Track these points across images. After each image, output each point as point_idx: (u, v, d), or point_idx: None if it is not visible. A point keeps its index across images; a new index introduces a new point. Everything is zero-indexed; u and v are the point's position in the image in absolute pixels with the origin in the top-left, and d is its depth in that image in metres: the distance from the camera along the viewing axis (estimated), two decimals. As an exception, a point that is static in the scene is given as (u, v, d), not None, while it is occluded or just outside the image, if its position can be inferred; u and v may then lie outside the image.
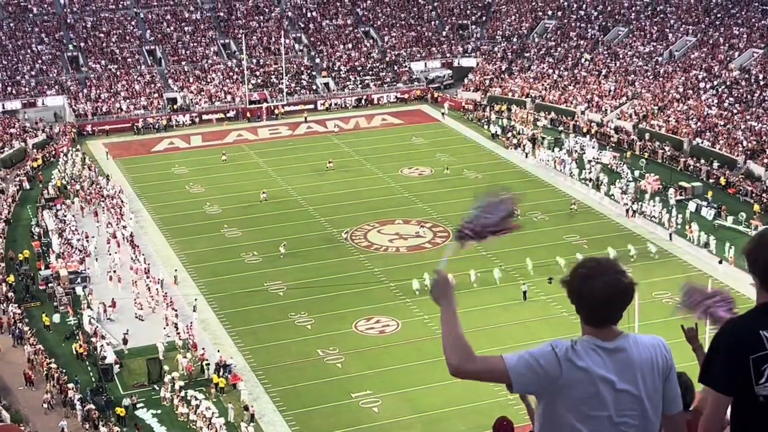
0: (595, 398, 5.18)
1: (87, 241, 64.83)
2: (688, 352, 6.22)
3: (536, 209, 68.87)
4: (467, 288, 54.99)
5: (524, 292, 55.88)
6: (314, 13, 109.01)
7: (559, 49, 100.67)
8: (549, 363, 5.18)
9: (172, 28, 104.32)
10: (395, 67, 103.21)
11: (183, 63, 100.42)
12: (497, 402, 43.18)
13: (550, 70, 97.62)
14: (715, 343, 5.27)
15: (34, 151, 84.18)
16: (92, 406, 46.06)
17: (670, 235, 64.19)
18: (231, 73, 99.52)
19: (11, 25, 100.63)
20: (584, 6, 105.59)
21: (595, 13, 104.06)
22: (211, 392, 48.05)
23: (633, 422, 5.24)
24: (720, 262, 59.91)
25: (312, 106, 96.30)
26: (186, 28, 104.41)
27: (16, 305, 56.42)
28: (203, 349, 51.43)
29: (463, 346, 5.22)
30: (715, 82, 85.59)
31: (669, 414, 5.41)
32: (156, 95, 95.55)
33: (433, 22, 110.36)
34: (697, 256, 61.67)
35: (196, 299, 56.93)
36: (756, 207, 67.43)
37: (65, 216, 69.06)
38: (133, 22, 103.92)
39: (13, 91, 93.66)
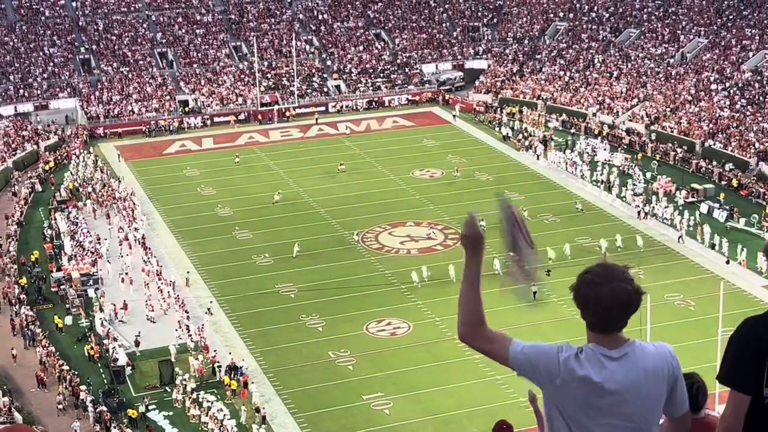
0: (594, 407, 5.16)
1: (99, 243, 64.99)
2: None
3: (547, 211, 68.84)
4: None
5: (534, 293, 55.58)
6: (325, 16, 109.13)
7: (570, 50, 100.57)
8: (549, 363, 5.19)
9: (183, 30, 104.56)
10: (406, 69, 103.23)
11: (194, 65, 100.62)
12: (509, 404, 43.23)
13: (562, 72, 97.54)
14: (731, 342, 5.26)
15: (46, 153, 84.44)
16: (104, 408, 46.17)
17: (680, 237, 64.05)
18: (242, 76, 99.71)
19: (23, 27, 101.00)
20: (595, 8, 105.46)
21: (607, 15, 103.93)
22: (227, 394, 48.12)
23: (630, 430, 5.22)
24: (727, 262, 59.87)
25: (323, 109, 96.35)
26: (197, 31, 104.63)
27: (28, 307, 56.60)
28: (215, 351, 51.52)
29: (478, 317, 5.26)
30: (727, 84, 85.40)
31: (675, 416, 5.39)
32: (168, 98, 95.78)
33: (444, 24, 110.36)
34: (708, 257, 61.49)
35: (211, 302, 57.00)
36: (768, 209, 67.29)
37: (77, 218, 69.24)
38: (144, 25, 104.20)
39: (26, 94, 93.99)
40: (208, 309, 56.08)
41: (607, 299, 5.12)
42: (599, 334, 5.22)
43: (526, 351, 5.26)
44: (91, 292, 58.51)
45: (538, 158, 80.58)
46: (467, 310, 5.29)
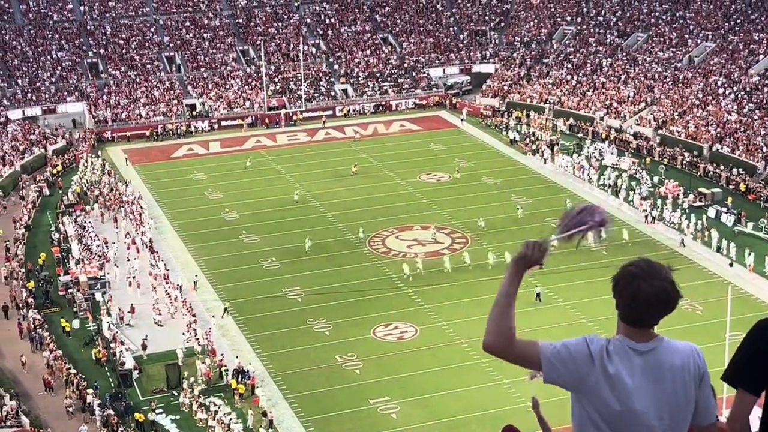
0: (620, 402, 5.14)
1: (106, 246, 65.09)
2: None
3: (554, 215, 68.76)
4: (476, 295, 54.94)
5: (538, 294, 55.48)
6: (333, 20, 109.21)
7: (577, 55, 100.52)
8: (582, 358, 5.17)
9: (191, 34, 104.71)
10: (413, 74, 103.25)
11: (202, 69, 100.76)
12: (515, 408, 43.13)
13: (569, 76, 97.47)
14: (743, 343, 5.29)
15: (54, 157, 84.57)
16: (111, 412, 46.19)
17: (682, 240, 63.85)
18: (250, 80, 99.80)
19: (31, 31, 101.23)
20: (603, 12, 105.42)
21: (614, 19, 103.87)
22: (235, 398, 48.08)
23: (660, 428, 5.19)
24: (731, 265, 59.84)
25: (330, 113, 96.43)
26: (205, 35, 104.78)
27: (35, 311, 56.66)
28: (222, 354, 51.52)
29: (508, 328, 5.23)
30: (735, 88, 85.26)
31: (700, 425, 5.34)
32: (175, 101, 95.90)
33: (451, 28, 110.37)
34: (715, 261, 61.35)
35: (228, 302, 57.16)
36: (776, 213, 67.12)
37: (85, 222, 69.34)
38: (152, 29, 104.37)
39: (33, 98, 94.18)
40: (226, 309, 56.57)
41: (644, 295, 5.13)
42: (630, 327, 5.22)
43: (558, 349, 5.22)
44: (98, 296, 58.59)
45: (545, 162, 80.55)
46: (498, 321, 5.25)
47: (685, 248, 63.27)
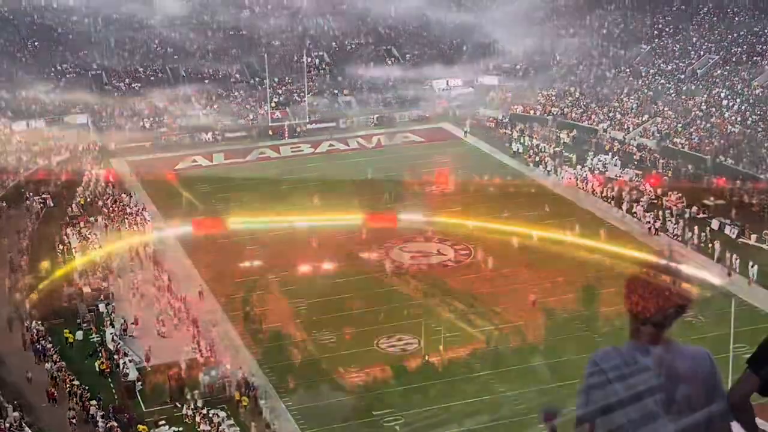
0: (636, 406, 5.16)
1: (110, 258, 65.10)
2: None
3: (553, 224, 68.73)
4: (480, 307, 54.96)
5: (534, 302, 55.48)
6: (336, 32, 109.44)
7: (581, 66, 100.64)
8: (598, 383, 5.19)
9: (195, 46, 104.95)
10: (417, 85, 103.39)
11: (206, 81, 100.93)
12: (520, 420, 43.08)
13: (572, 88, 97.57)
14: None
15: (58, 169, 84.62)
16: (114, 424, 46.17)
17: (670, 251, 63.56)
18: (253, 91, 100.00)
19: (36, 44, 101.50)
20: (606, 24, 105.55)
21: (617, 31, 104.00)
22: (240, 411, 48.02)
23: (675, 429, 5.22)
24: (729, 275, 59.73)
25: (333, 124, 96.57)
26: (209, 47, 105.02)
27: (39, 322, 56.67)
28: (225, 366, 51.46)
29: None
30: (739, 100, 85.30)
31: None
32: (179, 113, 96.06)
33: (454, 40, 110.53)
34: (716, 272, 61.16)
35: (248, 304, 57.04)
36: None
37: (89, 233, 69.39)
38: (156, 41, 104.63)
39: (38, 109, 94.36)
40: (245, 314, 56.69)
41: (664, 298, 5.22)
42: (646, 328, 5.25)
43: (581, 395, 5.21)
44: (102, 307, 58.62)
45: (548, 174, 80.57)
46: None
47: (688, 259, 63.16)
